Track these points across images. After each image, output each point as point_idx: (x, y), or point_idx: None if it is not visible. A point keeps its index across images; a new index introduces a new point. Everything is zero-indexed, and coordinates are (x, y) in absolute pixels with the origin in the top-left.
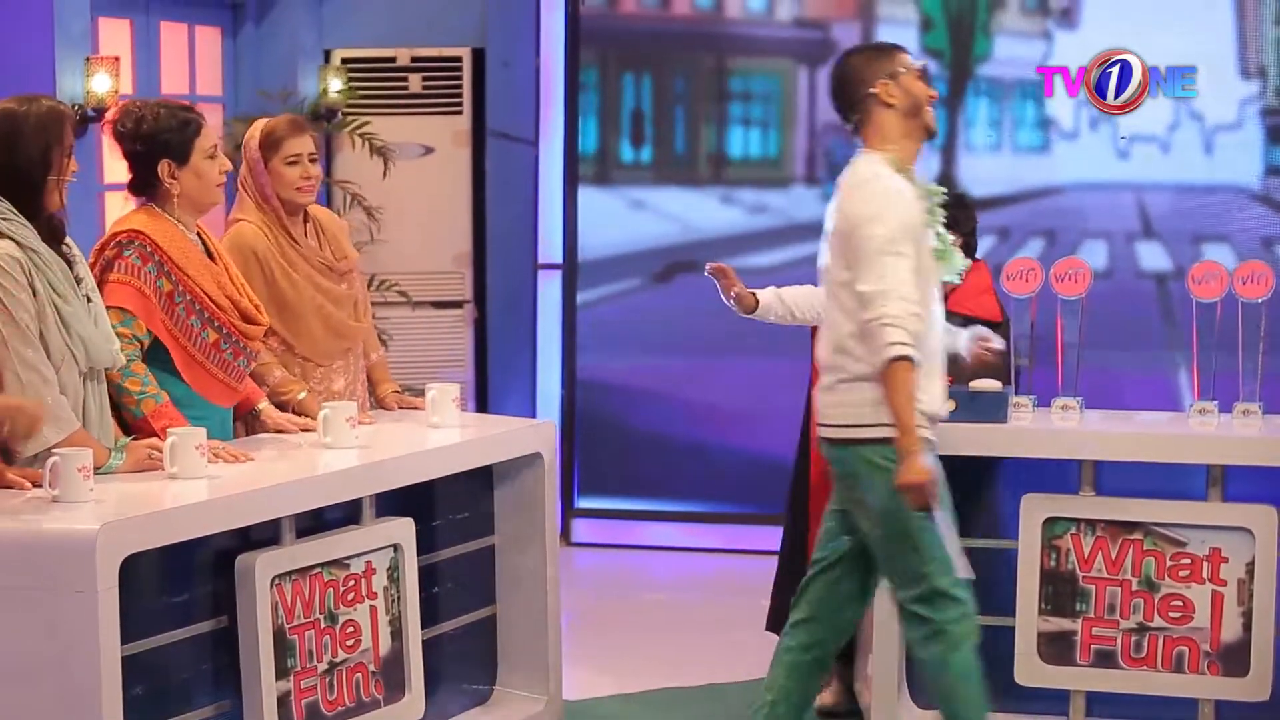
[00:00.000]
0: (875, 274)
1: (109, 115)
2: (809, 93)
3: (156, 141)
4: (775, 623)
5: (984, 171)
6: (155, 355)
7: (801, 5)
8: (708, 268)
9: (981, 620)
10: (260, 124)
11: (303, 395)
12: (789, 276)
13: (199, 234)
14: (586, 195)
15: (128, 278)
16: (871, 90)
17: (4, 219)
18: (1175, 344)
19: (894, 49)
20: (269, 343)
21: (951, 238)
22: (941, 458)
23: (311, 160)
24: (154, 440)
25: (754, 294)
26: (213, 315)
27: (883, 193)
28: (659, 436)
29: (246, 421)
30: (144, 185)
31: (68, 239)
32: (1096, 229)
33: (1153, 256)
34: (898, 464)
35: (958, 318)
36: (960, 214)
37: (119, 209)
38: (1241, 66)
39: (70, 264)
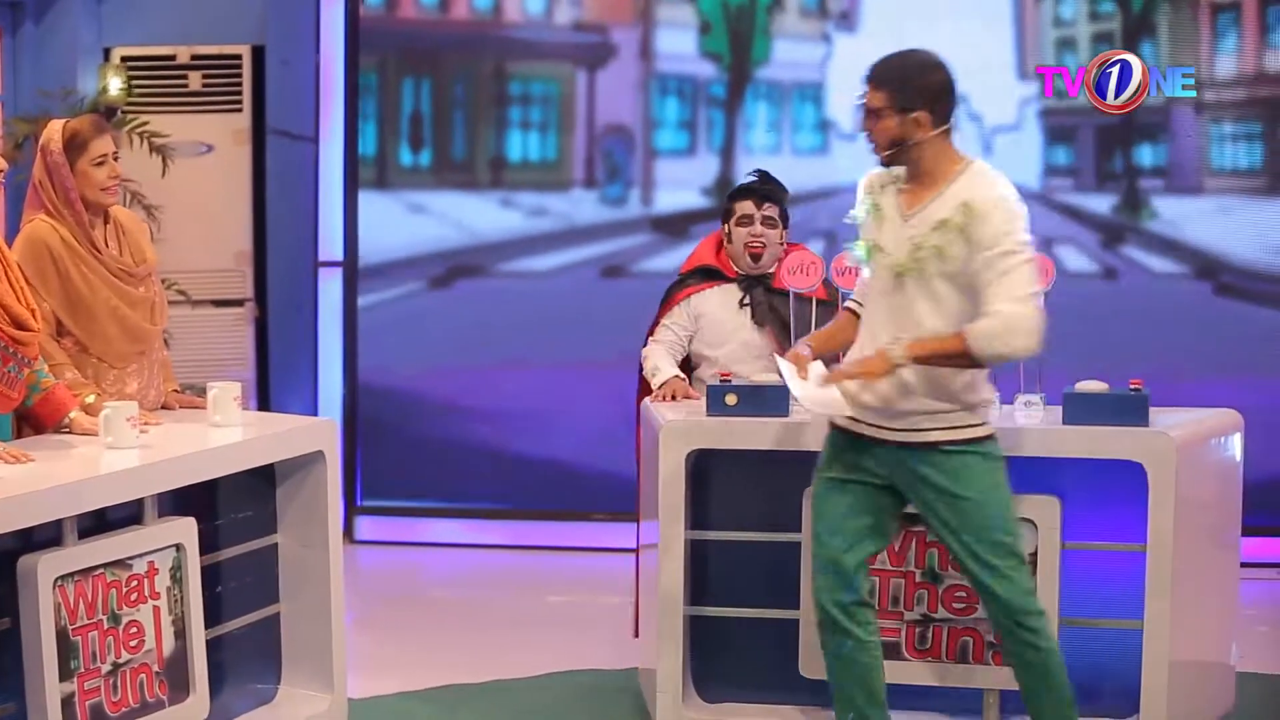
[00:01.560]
0: None
1: None
2: (588, 96)
3: None
4: None
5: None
6: None
7: (580, 9)
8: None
9: (767, 614)
10: (58, 126)
11: (91, 399)
12: (568, 279)
13: None
14: (366, 199)
15: None
16: None
17: None
18: None
19: None
20: (63, 343)
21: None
22: (725, 452)
23: (115, 159)
24: None
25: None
26: None
27: None
28: (441, 437)
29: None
30: None
31: None
32: None
33: None
34: None
35: (780, 293)
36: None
37: None
38: (1020, 68)
39: None
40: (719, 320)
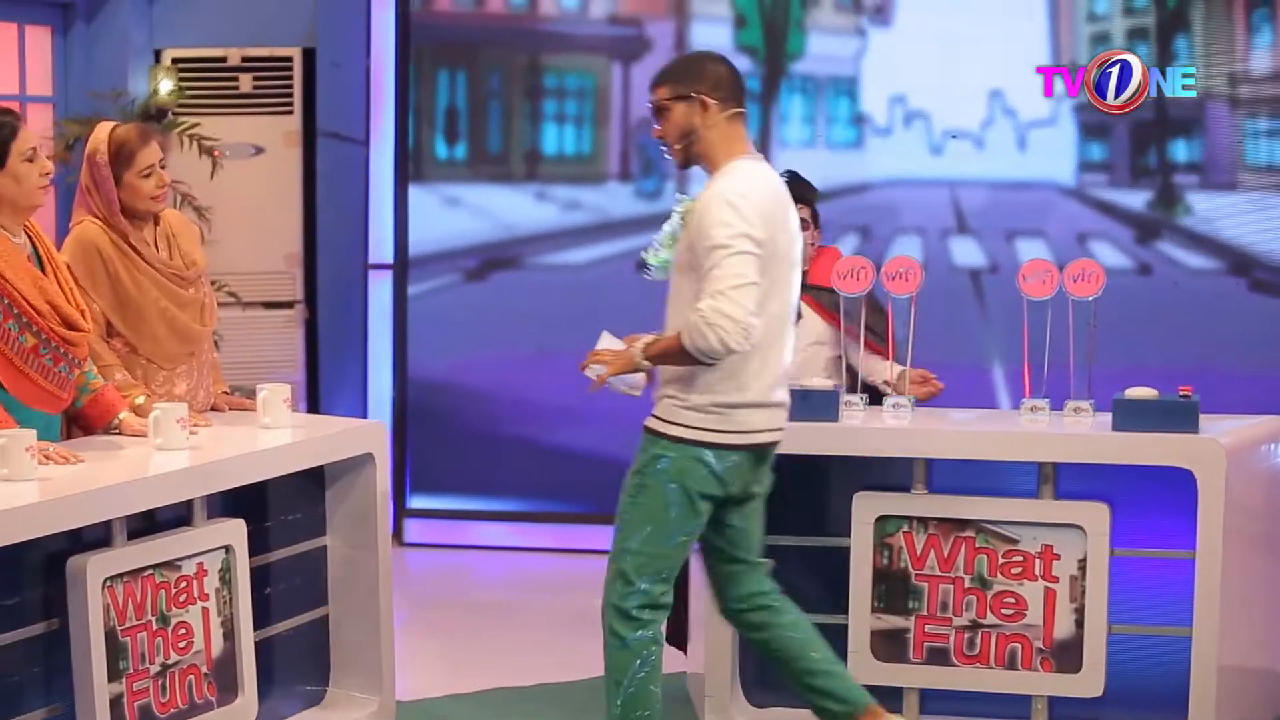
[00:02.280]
0: None
1: None
2: (623, 89)
3: None
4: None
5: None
6: None
7: (615, 2)
8: None
9: (815, 619)
10: (104, 135)
11: (141, 400)
12: (603, 273)
13: (30, 238)
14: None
15: None
16: None
17: None
18: (990, 339)
19: None
20: (113, 344)
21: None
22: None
23: (162, 167)
24: None
25: None
26: (30, 320)
27: None
28: (479, 431)
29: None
30: None
31: None
32: (910, 225)
33: (967, 252)
34: None
35: (824, 291)
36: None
37: None
38: (1055, 62)
39: None
40: None
